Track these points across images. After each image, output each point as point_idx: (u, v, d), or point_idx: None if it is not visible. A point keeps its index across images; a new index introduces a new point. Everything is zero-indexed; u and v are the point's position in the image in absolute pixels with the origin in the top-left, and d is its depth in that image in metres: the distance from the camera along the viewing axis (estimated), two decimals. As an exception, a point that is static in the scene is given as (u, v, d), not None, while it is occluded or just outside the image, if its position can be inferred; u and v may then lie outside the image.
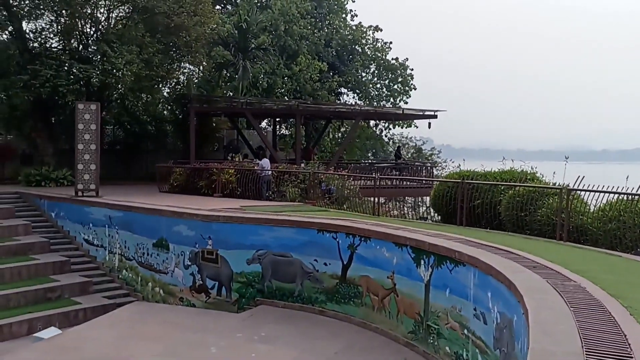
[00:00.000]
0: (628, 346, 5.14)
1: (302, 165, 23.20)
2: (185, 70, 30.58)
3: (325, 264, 13.27)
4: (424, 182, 22.68)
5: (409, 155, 39.94)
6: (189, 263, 14.89)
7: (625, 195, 11.33)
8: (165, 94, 30.86)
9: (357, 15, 38.06)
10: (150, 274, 15.80)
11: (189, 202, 17.07)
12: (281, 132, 38.07)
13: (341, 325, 12.59)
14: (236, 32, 29.06)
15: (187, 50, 24.55)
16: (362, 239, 12.53)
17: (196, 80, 30.59)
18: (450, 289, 10.09)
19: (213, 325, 13.02)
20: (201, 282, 14.70)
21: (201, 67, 29.79)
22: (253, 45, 29.53)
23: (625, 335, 5.43)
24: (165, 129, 30.34)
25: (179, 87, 29.99)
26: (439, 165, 38.62)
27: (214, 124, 29.95)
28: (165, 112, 31.31)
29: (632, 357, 4.87)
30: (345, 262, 12.92)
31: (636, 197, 10.98)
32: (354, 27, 37.27)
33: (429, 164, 34.40)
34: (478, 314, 9.16)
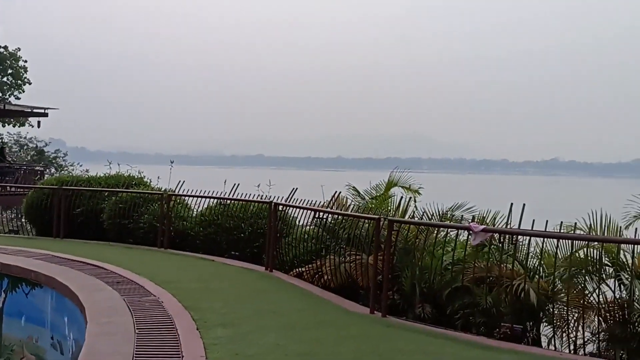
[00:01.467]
0: (180, 370, 4.68)
1: None
2: None
3: None
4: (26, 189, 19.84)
5: (29, 157, 35.33)
6: None
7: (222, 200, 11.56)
8: None
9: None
10: None
11: None
12: None
13: None
14: None
15: None
16: None
17: None
18: (27, 316, 8.55)
19: None
20: None
21: None
22: None
23: (182, 357, 4.98)
24: None
25: None
26: (66, 168, 35.38)
27: None
28: None
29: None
30: None
31: (229, 201, 11.26)
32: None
33: (54, 167, 31.02)
34: (55, 343, 7.89)
